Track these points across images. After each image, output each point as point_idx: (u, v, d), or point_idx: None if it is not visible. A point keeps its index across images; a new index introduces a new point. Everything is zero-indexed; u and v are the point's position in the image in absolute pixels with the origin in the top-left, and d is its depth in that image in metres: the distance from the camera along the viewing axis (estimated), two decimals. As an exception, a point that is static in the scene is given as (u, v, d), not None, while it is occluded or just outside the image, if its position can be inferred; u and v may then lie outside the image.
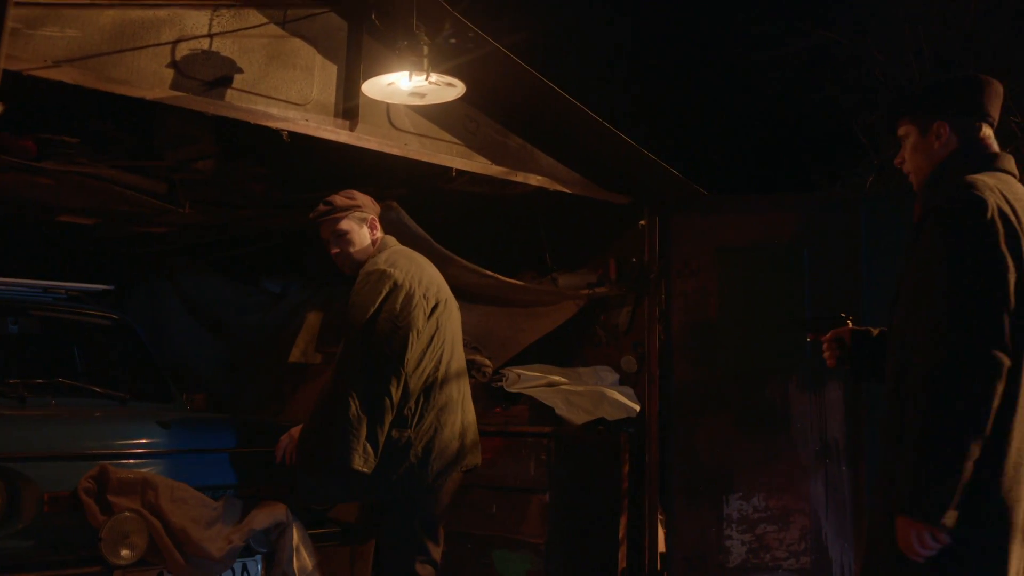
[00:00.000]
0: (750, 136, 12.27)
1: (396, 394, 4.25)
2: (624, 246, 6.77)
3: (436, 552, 4.49)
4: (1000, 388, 2.65)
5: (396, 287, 4.32)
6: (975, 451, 2.64)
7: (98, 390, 5.48)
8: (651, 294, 6.62)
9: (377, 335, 4.26)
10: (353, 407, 4.18)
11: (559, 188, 6.19)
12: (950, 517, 2.66)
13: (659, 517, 6.49)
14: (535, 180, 6.03)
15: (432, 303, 4.44)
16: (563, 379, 6.40)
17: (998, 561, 2.72)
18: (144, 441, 4.52)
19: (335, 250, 4.55)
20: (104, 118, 5.41)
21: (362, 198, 4.60)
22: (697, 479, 6.34)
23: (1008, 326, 2.67)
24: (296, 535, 4.52)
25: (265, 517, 4.45)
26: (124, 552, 4.07)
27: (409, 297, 4.34)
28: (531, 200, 6.56)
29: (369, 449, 4.19)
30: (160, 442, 4.54)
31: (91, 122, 5.38)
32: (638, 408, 6.43)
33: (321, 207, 4.55)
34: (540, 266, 7.04)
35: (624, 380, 6.67)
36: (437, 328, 4.46)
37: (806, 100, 10.85)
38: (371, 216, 4.60)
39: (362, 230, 4.55)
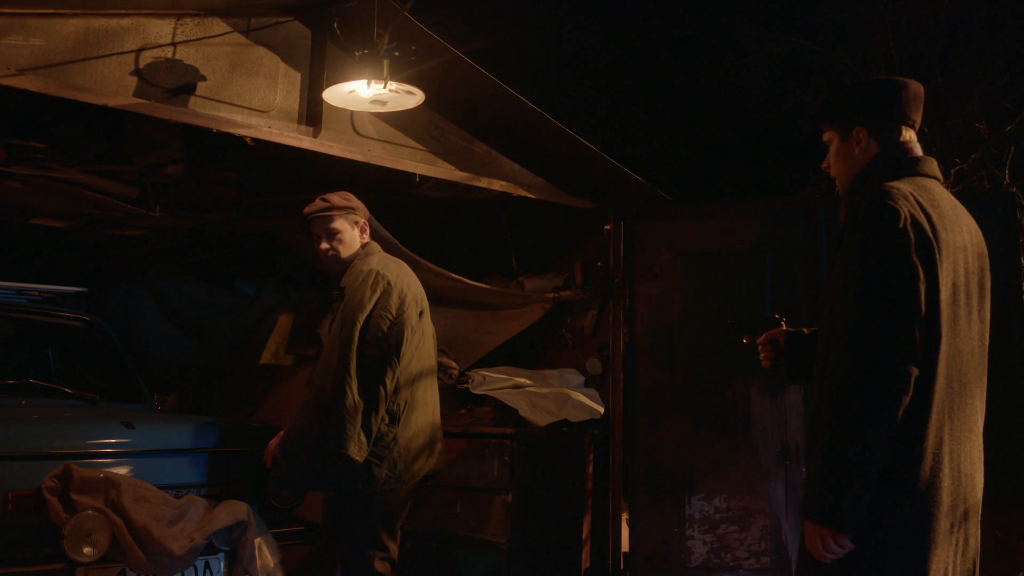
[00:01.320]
0: (721, 140, 12.35)
1: (390, 386, 4.40)
2: (589, 250, 6.87)
3: (395, 550, 4.59)
4: (906, 398, 2.67)
5: (390, 287, 4.48)
6: (879, 460, 2.68)
7: (69, 391, 5.54)
8: (616, 298, 6.72)
9: (373, 328, 4.40)
10: (350, 395, 4.30)
11: (523, 193, 6.29)
12: (852, 524, 2.70)
13: (622, 517, 6.58)
14: (499, 185, 6.12)
15: (419, 308, 4.63)
16: (528, 381, 6.49)
17: (916, 567, 2.75)
18: (109, 441, 4.59)
19: (325, 246, 4.64)
20: (73, 123, 5.49)
21: (357, 202, 4.74)
22: (660, 480, 6.42)
23: (917, 335, 2.69)
24: (258, 533, 4.61)
25: (227, 515, 4.53)
26: (86, 549, 4.14)
27: (402, 298, 4.50)
28: (497, 205, 6.64)
29: (363, 438, 4.32)
30: (124, 442, 4.62)
31: (60, 127, 5.45)
32: (602, 410, 6.52)
33: (319, 203, 4.66)
34: (507, 270, 7.12)
35: (589, 382, 6.76)
36: (423, 333, 4.65)
37: (777, 105, 10.94)
38: (363, 220, 4.75)
39: (354, 232, 4.69)
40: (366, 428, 4.33)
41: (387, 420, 4.43)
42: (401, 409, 4.47)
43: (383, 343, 4.40)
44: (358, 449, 4.29)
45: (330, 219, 4.64)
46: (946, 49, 10.03)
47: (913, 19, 10.16)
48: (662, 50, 12.72)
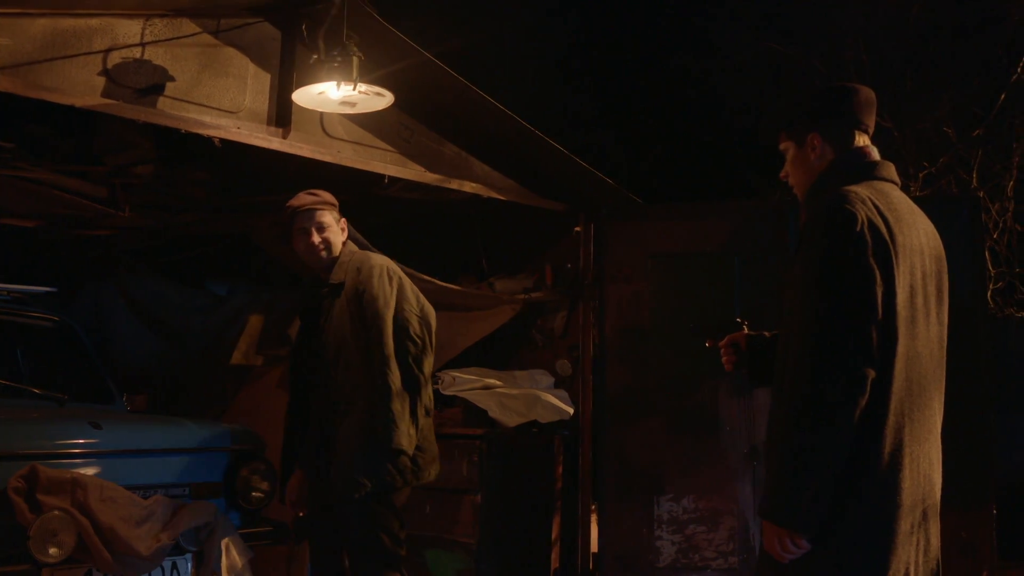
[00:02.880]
0: (692, 143, 12.40)
1: (428, 377, 4.50)
2: (560, 252, 6.90)
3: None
4: (863, 400, 2.69)
5: (402, 280, 4.53)
6: (836, 462, 2.70)
7: (37, 391, 5.51)
8: (586, 299, 6.76)
9: (402, 322, 4.43)
10: (395, 389, 4.31)
11: (494, 195, 6.30)
12: (809, 524, 2.72)
13: (591, 518, 6.61)
14: (470, 187, 6.14)
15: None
16: (498, 382, 6.51)
17: (876, 568, 2.78)
18: (76, 442, 4.58)
19: (316, 240, 4.53)
20: (42, 123, 5.47)
21: (335, 201, 4.71)
22: (629, 481, 6.45)
23: (874, 337, 2.71)
24: (226, 534, 4.61)
25: (195, 516, 4.53)
26: (52, 550, 4.13)
27: (415, 291, 4.57)
28: (468, 206, 6.66)
29: (412, 431, 4.37)
30: (92, 443, 4.61)
31: (28, 127, 5.43)
32: (572, 411, 6.55)
33: (308, 197, 4.58)
34: (477, 271, 7.14)
35: (559, 383, 6.79)
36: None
37: (748, 108, 11.00)
38: (343, 219, 4.72)
39: (337, 227, 4.65)
40: (414, 420, 4.38)
41: (425, 412, 4.49)
42: (432, 402, 4.55)
43: (417, 336, 4.43)
44: (408, 442, 4.32)
45: (322, 212, 4.57)
46: (916, 54, 10.10)
47: (884, 24, 10.23)
48: (635, 53, 12.76)
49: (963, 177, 9.34)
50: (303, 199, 4.56)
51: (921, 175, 9.20)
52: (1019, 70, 9.08)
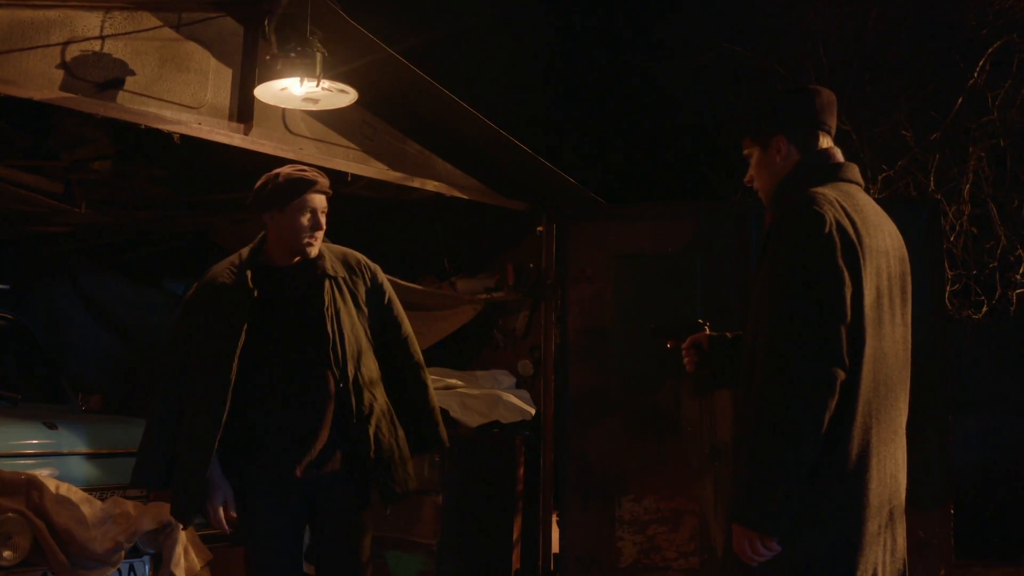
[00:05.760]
0: (655, 144, 12.45)
1: None
2: (522, 252, 6.89)
3: None
4: (832, 402, 2.69)
5: None
6: (806, 463, 2.69)
7: (-11, 390, 5.45)
8: (548, 300, 6.74)
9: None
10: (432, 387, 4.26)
11: (457, 194, 6.28)
12: (779, 526, 2.71)
13: (553, 518, 6.59)
14: (432, 186, 6.10)
15: None
16: (460, 382, 6.49)
17: (844, 568, 2.78)
18: (31, 442, 4.52)
19: (323, 225, 4.03)
20: (-3, 117, 5.39)
21: None
22: (590, 481, 6.44)
23: (843, 339, 2.71)
24: (185, 536, 4.55)
25: (153, 518, 4.47)
26: (7, 553, 4.08)
27: None
28: (430, 205, 6.63)
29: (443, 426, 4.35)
30: (47, 443, 4.55)
31: (-18, 121, 5.35)
32: (533, 411, 6.54)
33: (325, 179, 4.07)
34: (439, 270, 7.11)
35: (520, 384, 6.78)
36: None
37: (709, 110, 11.05)
38: None
39: None
40: None
41: None
42: None
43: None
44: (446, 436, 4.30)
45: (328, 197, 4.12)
46: (875, 57, 10.18)
47: (844, 27, 10.31)
48: (595, 54, 12.80)
49: (921, 180, 9.43)
50: (322, 179, 4.05)
51: (880, 178, 9.28)
52: (975, 75, 9.17)
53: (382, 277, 4.24)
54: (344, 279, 4.07)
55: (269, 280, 3.97)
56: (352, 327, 4.01)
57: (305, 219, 3.93)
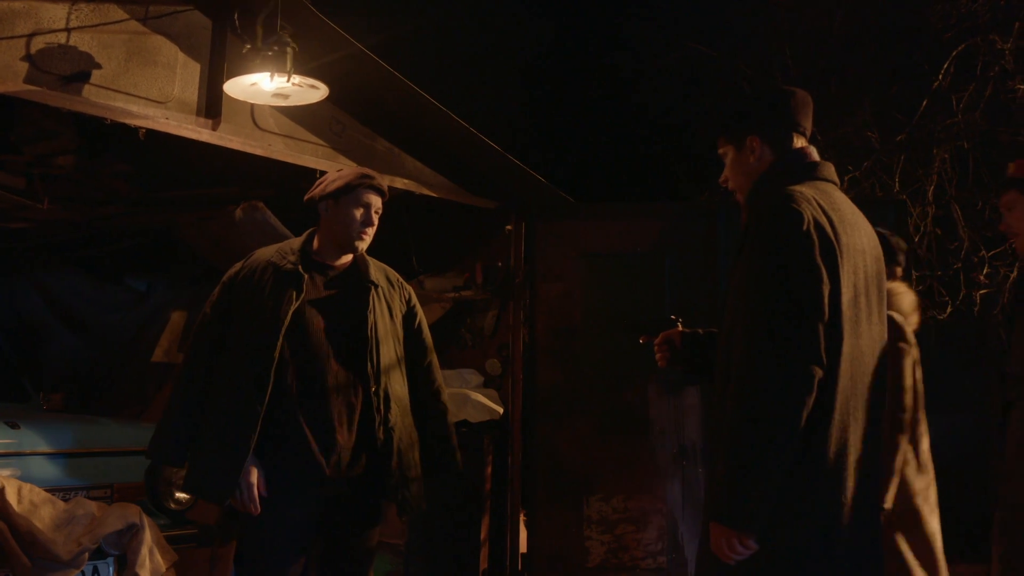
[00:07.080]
0: (623, 144, 12.46)
1: None
2: (491, 250, 6.86)
3: None
4: (810, 400, 2.69)
5: None
6: (784, 461, 2.69)
7: (-52, 389, 5.36)
8: (516, 298, 6.72)
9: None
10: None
11: (425, 192, 6.24)
12: (757, 525, 2.71)
13: (520, 518, 6.58)
14: (401, 183, 6.06)
15: None
16: (428, 381, 6.44)
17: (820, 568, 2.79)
18: (-8, 442, 4.44)
19: (375, 226, 4.10)
20: (-43, 111, 5.28)
21: None
22: (559, 481, 6.45)
23: (821, 336, 2.71)
24: (150, 537, 4.49)
25: (118, 518, 4.41)
26: (-33, 554, 4.01)
27: None
28: (398, 203, 6.57)
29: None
30: (9, 443, 4.47)
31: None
32: (501, 411, 6.52)
33: (383, 182, 4.15)
34: (407, 269, 7.04)
35: (488, 383, 6.74)
36: None
37: (676, 111, 11.07)
38: None
39: None
40: None
41: None
42: None
43: None
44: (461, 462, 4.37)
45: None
46: (840, 58, 10.24)
47: (810, 28, 10.35)
48: (562, 53, 12.79)
49: (886, 181, 9.48)
50: (380, 180, 4.10)
51: (845, 179, 9.32)
52: (940, 77, 9.23)
53: (415, 300, 4.27)
54: (384, 291, 4.11)
55: (318, 272, 4.03)
56: (387, 337, 4.03)
57: (359, 213, 4.00)
